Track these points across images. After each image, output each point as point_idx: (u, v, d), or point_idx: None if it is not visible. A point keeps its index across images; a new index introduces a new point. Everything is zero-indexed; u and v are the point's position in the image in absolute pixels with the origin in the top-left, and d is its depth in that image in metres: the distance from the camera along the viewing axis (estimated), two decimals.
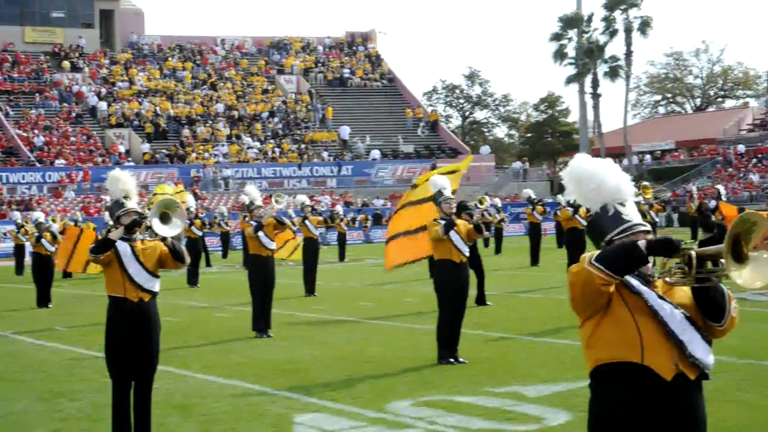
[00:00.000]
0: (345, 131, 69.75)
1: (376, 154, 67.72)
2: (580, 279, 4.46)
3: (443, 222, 12.84)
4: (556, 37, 73.29)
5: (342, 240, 38.47)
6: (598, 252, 4.48)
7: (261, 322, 16.27)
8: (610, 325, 4.53)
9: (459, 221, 13.04)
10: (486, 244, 38.92)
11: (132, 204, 8.87)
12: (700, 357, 4.53)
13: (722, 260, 4.30)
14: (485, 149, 78.49)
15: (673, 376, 4.50)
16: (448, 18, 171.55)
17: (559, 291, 20.99)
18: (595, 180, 4.81)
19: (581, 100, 74.16)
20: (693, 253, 4.38)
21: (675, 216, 58.16)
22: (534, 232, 32.16)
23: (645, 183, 22.40)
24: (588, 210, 4.95)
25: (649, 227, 4.77)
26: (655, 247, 4.38)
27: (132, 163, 60.06)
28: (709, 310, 4.57)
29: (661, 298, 4.56)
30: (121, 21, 76.91)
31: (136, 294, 8.62)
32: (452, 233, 12.82)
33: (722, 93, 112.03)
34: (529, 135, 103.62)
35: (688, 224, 44.61)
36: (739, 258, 4.30)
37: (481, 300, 19.57)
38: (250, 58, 78.92)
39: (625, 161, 73.96)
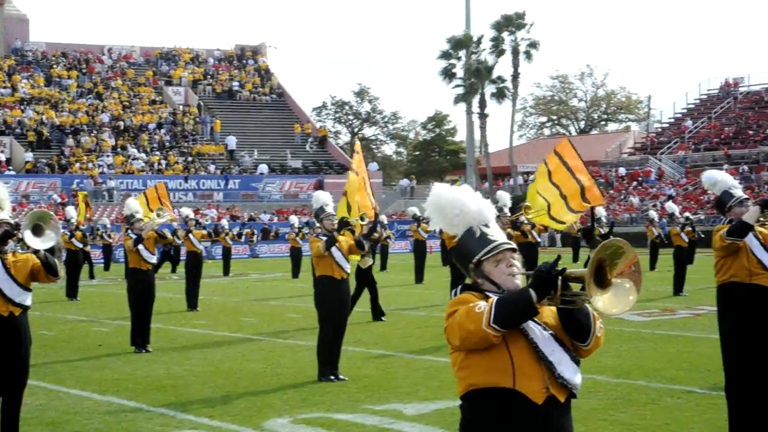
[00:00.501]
0: (232, 141, 69.26)
1: (263, 168, 67.38)
2: (474, 337, 4.44)
3: (324, 238, 12.82)
4: (445, 56, 73.96)
5: (227, 254, 38.12)
6: (493, 310, 4.41)
7: (139, 337, 15.99)
8: (482, 350, 4.54)
9: (341, 237, 13.03)
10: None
11: (4, 215, 8.62)
12: (569, 378, 4.58)
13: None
14: (373, 166, 78.73)
15: (545, 399, 4.54)
16: (339, 34, 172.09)
17: (441, 309, 21.05)
18: (458, 206, 4.87)
19: (468, 119, 74.97)
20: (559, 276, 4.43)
21: (558, 236, 59.14)
22: (419, 250, 32.35)
23: (527, 203, 22.65)
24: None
25: (514, 245, 4.83)
26: (541, 293, 4.42)
27: (13, 172, 58.56)
28: (574, 330, 4.63)
29: (531, 320, 4.59)
30: (5, 26, 75.14)
31: (6, 308, 8.38)
32: (334, 249, 12.80)
33: (605, 116, 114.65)
34: (416, 153, 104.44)
35: (569, 244, 45.42)
36: (602, 283, 4.35)
37: (377, 314, 19.73)
38: (137, 68, 77.85)
39: (511, 181, 75.07)
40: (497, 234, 4.82)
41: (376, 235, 15.61)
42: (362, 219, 14.81)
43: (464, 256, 4.84)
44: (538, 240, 27.15)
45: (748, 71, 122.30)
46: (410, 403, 10.98)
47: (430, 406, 10.72)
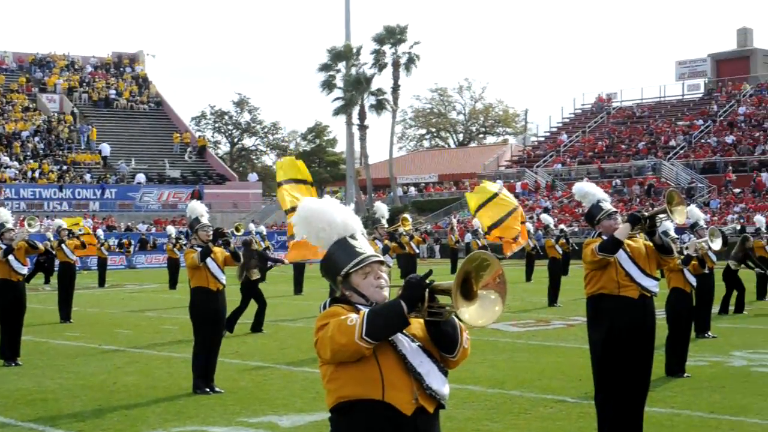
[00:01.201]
0: (105, 149, 68.12)
1: (141, 177, 66.42)
2: (346, 350, 4.43)
3: (199, 249, 12.71)
4: (325, 68, 74.07)
5: (102, 265, 37.45)
6: (365, 323, 4.41)
7: (9, 350, 15.58)
8: (351, 363, 4.54)
9: (216, 248, 12.93)
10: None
11: None
12: (437, 389, 4.61)
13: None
14: (253, 177, 78.42)
15: (414, 410, 4.57)
16: (219, 44, 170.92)
17: None
18: (324, 219, 4.87)
19: (348, 131, 75.15)
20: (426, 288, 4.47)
21: (437, 247, 59.71)
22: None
23: (405, 215, 22.88)
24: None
25: (381, 257, 4.85)
26: (412, 305, 4.44)
27: None
28: (441, 342, 4.67)
29: (402, 330, 4.61)
30: None
31: None
32: (209, 260, 12.70)
33: (483, 129, 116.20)
34: None
35: (448, 255, 45.88)
36: (469, 295, 4.41)
37: (258, 326, 19.61)
38: (9, 74, 75.98)
39: (391, 193, 75.50)
40: (365, 246, 4.84)
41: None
42: (237, 231, 14.74)
43: (332, 268, 4.83)
44: (417, 251, 27.39)
45: (620, 87, 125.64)
46: (286, 415, 10.94)
47: (306, 418, 10.70)
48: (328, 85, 73.79)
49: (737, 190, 56.83)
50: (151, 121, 76.94)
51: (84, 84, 77.40)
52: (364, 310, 4.51)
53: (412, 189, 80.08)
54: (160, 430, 10.31)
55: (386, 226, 20.30)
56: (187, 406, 11.68)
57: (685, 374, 13.17)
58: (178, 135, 74.75)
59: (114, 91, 77.35)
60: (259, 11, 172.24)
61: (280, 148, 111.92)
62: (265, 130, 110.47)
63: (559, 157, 71.58)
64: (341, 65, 74.00)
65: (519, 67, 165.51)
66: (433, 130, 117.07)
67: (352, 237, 4.85)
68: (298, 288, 31.13)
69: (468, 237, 43.73)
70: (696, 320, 16.10)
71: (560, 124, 79.63)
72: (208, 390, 12.50)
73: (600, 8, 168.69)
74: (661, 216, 9.24)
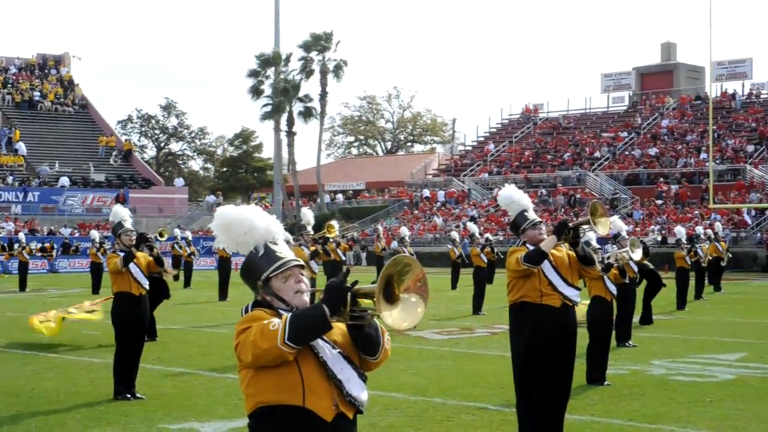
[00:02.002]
0: (22, 148, 67.11)
1: (65, 181, 65.54)
2: (268, 354, 4.42)
3: (122, 254, 12.59)
4: (254, 74, 73.77)
5: (23, 269, 36.88)
6: (288, 327, 4.39)
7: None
8: (272, 368, 4.53)
9: (139, 253, 12.81)
10: (176, 278, 38.39)
11: None
12: (357, 395, 4.63)
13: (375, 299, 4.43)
14: (179, 181, 77.86)
15: (334, 417, 4.58)
16: (146, 47, 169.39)
17: None
18: (245, 224, 4.87)
19: (276, 137, 74.87)
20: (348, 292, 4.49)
21: (363, 255, 59.75)
22: (223, 267, 32.05)
23: (331, 222, 22.83)
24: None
25: (302, 262, 4.86)
26: (334, 309, 4.44)
27: None
28: (364, 345, 4.69)
29: (321, 338, 4.62)
30: None
31: None
32: (132, 265, 12.58)
33: (411, 138, 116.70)
34: (224, 169, 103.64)
35: (374, 263, 45.93)
36: (391, 299, 4.44)
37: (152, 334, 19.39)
38: None
39: (318, 199, 75.43)
40: (285, 251, 4.84)
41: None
42: (161, 236, 14.63)
43: (252, 273, 4.83)
44: (343, 258, 27.38)
45: (547, 98, 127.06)
46: (208, 421, 10.86)
47: (228, 425, 10.64)
48: (257, 91, 73.51)
49: (659, 202, 57.73)
50: (76, 124, 76.00)
51: (8, 85, 76.21)
52: (287, 315, 4.50)
53: (340, 196, 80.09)
54: None
55: (312, 232, 20.27)
56: (108, 412, 11.54)
57: (606, 382, 13.33)
58: (104, 138, 73.94)
59: (38, 93, 76.33)
60: (188, 16, 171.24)
61: (207, 153, 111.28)
62: (192, 135, 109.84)
63: (485, 166, 72.09)
64: (270, 71, 73.78)
65: (448, 76, 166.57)
66: (362, 137, 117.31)
67: (273, 242, 4.85)
68: (223, 294, 30.93)
69: (394, 244, 43.81)
70: (617, 329, 16.33)
71: (487, 134, 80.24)
72: (129, 396, 12.36)
73: (528, 20, 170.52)
74: (584, 227, 9.36)
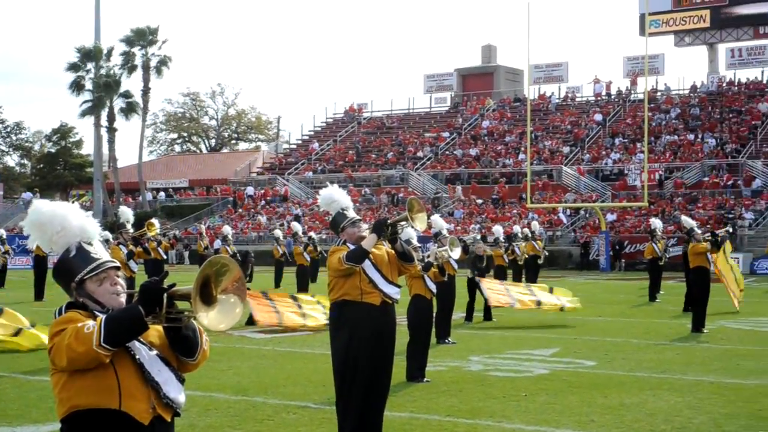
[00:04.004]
0: None
1: None
2: (84, 358, 4.31)
3: None
4: (74, 67, 71.79)
5: None
6: (103, 329, 4.28)
7: None
8: (87, 371, 4.43)
9: None
10: None
11: None
12: (174, 397, 4.58)
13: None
14: None
15: (151, 419, 4.51)
16: None
17: None
18: (58, 223, 4.76)
19: (96, 133, 73.00)
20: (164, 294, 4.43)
21: (186, 253, 58.98)
22: (39, 266, 31.11)
23: (151, 221, 22.45)
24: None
25: (117, 263, 4.77)
26: (149, 309, 4.36)
27: None
28: (181, 347, 4.64)
29: (137, 340, 4.55)
30: None
31: None
32: None
33: (236, 135, 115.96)
34: (41, 166, 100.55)
35: (197, 262, 45.43)
36: (209, 300, 4.41)
37: None
38: None
39: (140, 197, 74.07)
40: (101, 252, 4.74)
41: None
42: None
43: (65, 274, 4.71)
44: (164, 257, 26.99)
45: (371, 98, 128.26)
46: (20, 426, 10.54)
47: (42, 429, 10.35)
48: (77, 86, 71.53)
49: (480, 201, 58.99)
50: None
51: None
52: (101, 317, 4.41)
53: (162, 194, 78.84)
54: None
55: (132, 231, 19.87)
56: None
57: (425, 379, 13.55)
58: None
59: None
60: (4, 3, 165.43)
61: (23, 149, 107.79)
62: (8, 129, 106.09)
63: (310, 165, 72.22)
64: (91, 65, 71.96)
65: (272, 74, 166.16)
66: (185, 134, 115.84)
67: (88, 242, 4.73)
68: (39, 294, 30.02)
69: (217, 243, 43.44)
70: (436, 326, 16.62)
71: (312, 133, 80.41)
72: None
73: (353, 19, 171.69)
74: (402, 223, 9.48)
